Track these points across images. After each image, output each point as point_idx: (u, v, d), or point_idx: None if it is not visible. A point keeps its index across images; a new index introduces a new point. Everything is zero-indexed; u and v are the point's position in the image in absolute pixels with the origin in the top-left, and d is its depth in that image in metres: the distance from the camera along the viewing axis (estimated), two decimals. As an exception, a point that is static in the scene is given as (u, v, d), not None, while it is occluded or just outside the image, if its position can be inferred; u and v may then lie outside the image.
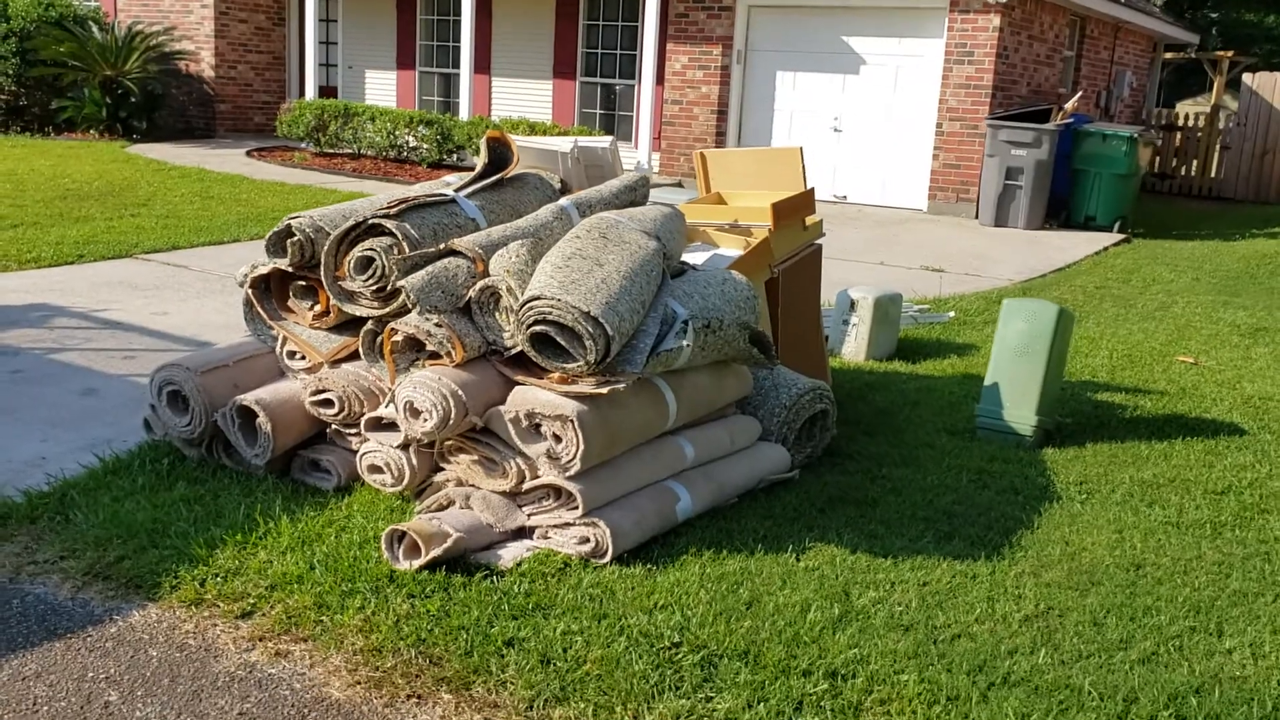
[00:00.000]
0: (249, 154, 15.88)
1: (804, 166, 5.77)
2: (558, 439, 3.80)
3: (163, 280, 8.01)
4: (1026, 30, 13.89)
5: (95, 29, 17.41)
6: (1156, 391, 6.30)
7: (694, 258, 5.03)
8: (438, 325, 3.95)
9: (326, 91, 17.73)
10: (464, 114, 15.69)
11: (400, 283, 3.94)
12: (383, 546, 3.73)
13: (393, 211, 4.14)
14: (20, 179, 12.16)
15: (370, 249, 4.13)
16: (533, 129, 14.40)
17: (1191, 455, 5.22)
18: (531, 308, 3.73)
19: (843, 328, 6.86)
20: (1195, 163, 19.37)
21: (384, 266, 4.12)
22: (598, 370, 3.75)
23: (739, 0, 14.48)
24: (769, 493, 4.48)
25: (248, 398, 4.29)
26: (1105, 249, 11.84)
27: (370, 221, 4.15)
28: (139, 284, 7.83)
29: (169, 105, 17.70)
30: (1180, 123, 19.53)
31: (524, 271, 4.02)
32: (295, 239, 4.26)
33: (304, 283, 4.45)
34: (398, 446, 4.09)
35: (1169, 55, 21.58)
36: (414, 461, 4.08)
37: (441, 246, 4.12)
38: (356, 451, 4.31)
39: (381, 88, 17.94)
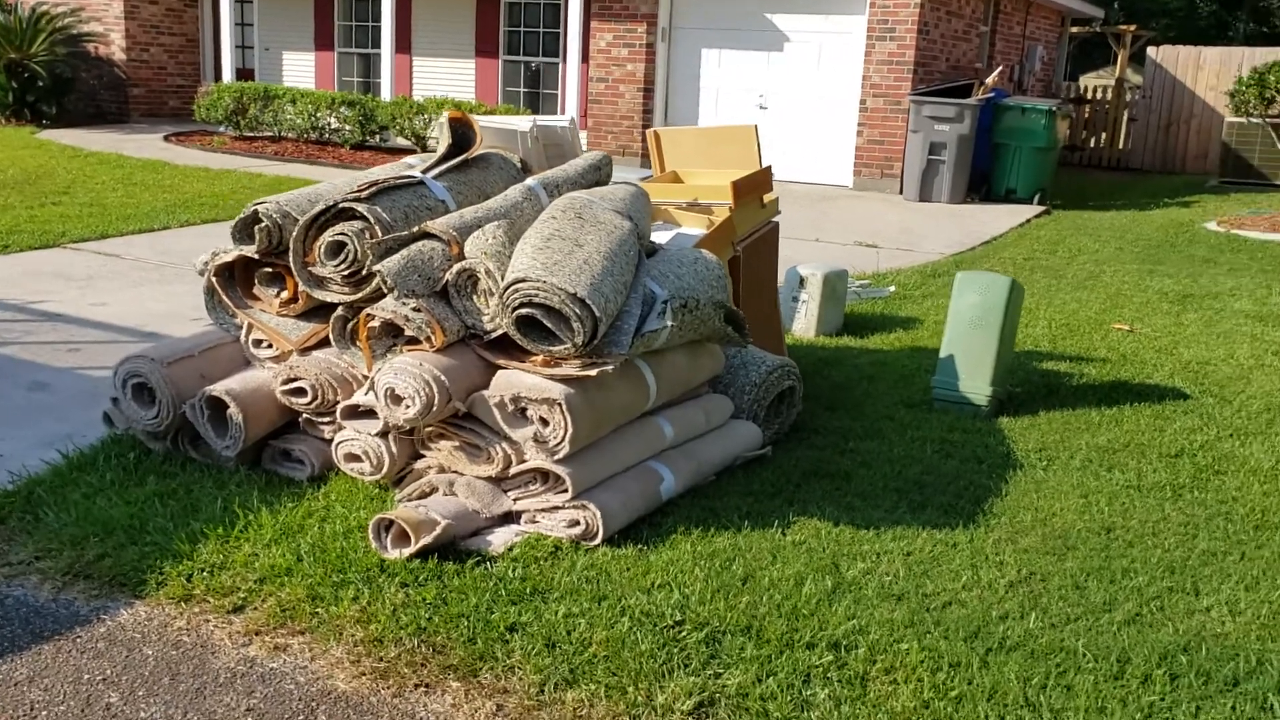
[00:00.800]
0: (166, 139, 15.49)
1: (759, 144, 5.80)
2: (544, 422, 3.79)
3: (96, 270, 7.79)
4: (945, 6, 14.09)
5: (-4, 10, 16.84)
6: (1099, 359, 6.48)
7: (658, 237, 5.04)
8: (415, 310, 3.92)
9: (243, 74, 17.36)
10: (386, 95, 15.48)
11: (376, 267, 3.89)
12: (370, 536, 3.69)
13: (363, 195, 4.09)
14: (-72, 167, 11.74)
15: (341, 233, 4.07)
16: (458, 108, 14.24)
17: (1141, 420, 5.38)
18: (516, 290, 3.71)
19: (792, 304, 6.92)
20: (1104, 135, 19.85)
21: (356, 251, 4.06)
22: (584, 352, 3.75)
23: (663, -23, 14.48)
24: (745, 469, 4.52)
25: (217, 388, 4.21)
26: (1028, 221, 12.10)
27: (340, 205, 4.09)
28: (72, 274, 7.61)
29: (79, 89, 17.19)
30: (1087, 96, 19.99)
31: (501, 253, 4.00)
32: (262, 225, 4.18)
33: (270, 270, 4.38)
34: (376, 434, 4.05)
35: (1074, 29, 22.05)
36: (393, 449, 4.04)
37: (415, 229, 4.08)
38: (331, 440, 4.26)
39: (300, 69, 17.60)
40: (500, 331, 3.93)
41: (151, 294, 7.20)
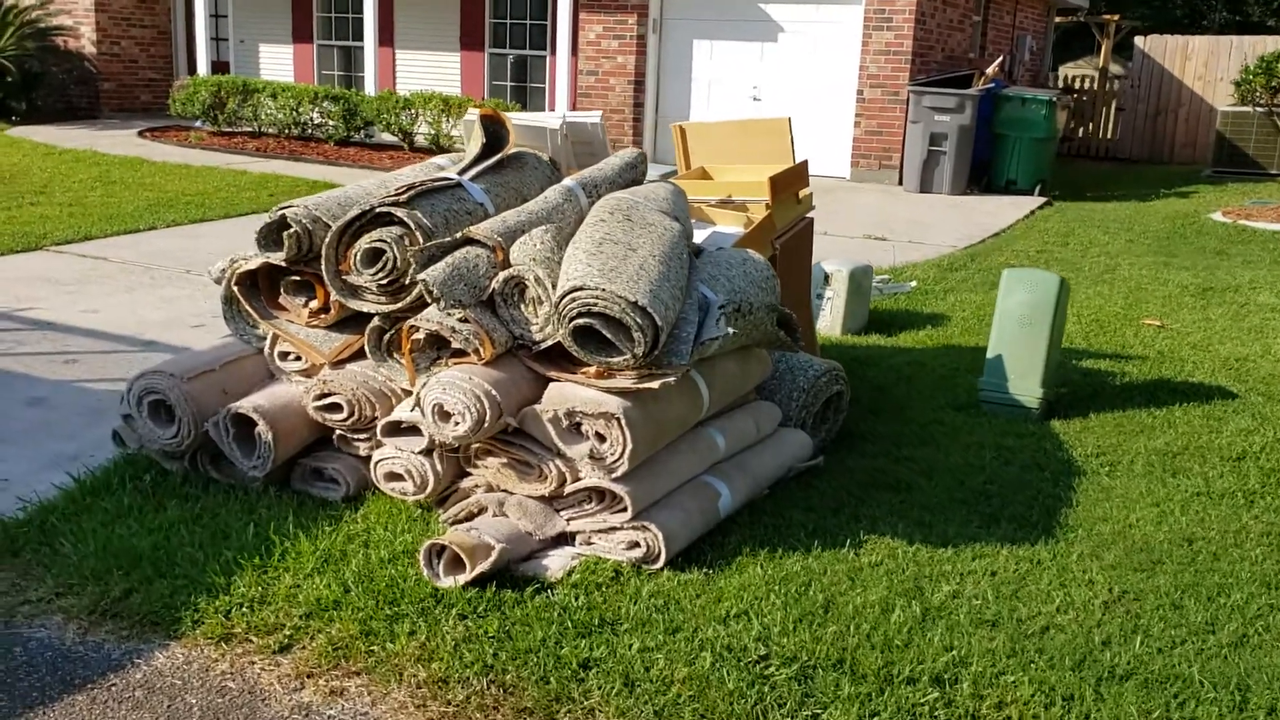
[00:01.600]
0: (141, 134, 15.08)
1: (792, 137, 5.56)
2: (601, 438, 3.54)
3: (83, 274, 7.47)
4: (941, -5, 13.90)
5: (-37, 5, 16.36)
6: (1136, 357, 6.28)
7: (694, 236, 4.80)
8: (462, 320, 3.65)
9: (218, 67, 16.95)
10: (369, 88, 15.14)
11: (420, 276, 3.62)
12: (421, 563, 3.43)
13: (402, 198, 3.82)
14: (-100, 167, 11.33)
15: (380, 240, 3.80)
16: (447, 103, 13.94)
17: (1194, 422, 5.18)
18: (574, 299, 3.46)
19: (817, 302, 6.69)
20: (1090, 124, 19.73)
21: (395, 259, 3.79)
22: (644, 363, 3.50)
23: (652, -33, 14.21)
24: (798, 480, 4.29)
25: (244, 405, 3.93)
26: (1032, 213, 11.93)
27: (378, 210, 3.81)
28: (59, 279, 7.28)
29: (48, 84, 16.72)
30: (1073, 86, 19.86)
31: (550, 260, 3.74)
32: (291, 231, 3.90)
33: (298, 278, 4.10)
34: (419, 452, 3.78)
35: (1058, 19, 21.93)
36: (438, 467, 3.78)
37: (458, 235, 3.81)
38: (367, 458, 4.00)
39: (277, 63, 17.21)
40: (551, 342, 3.67)
41: (145, 299, 6.89)
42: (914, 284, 7.95)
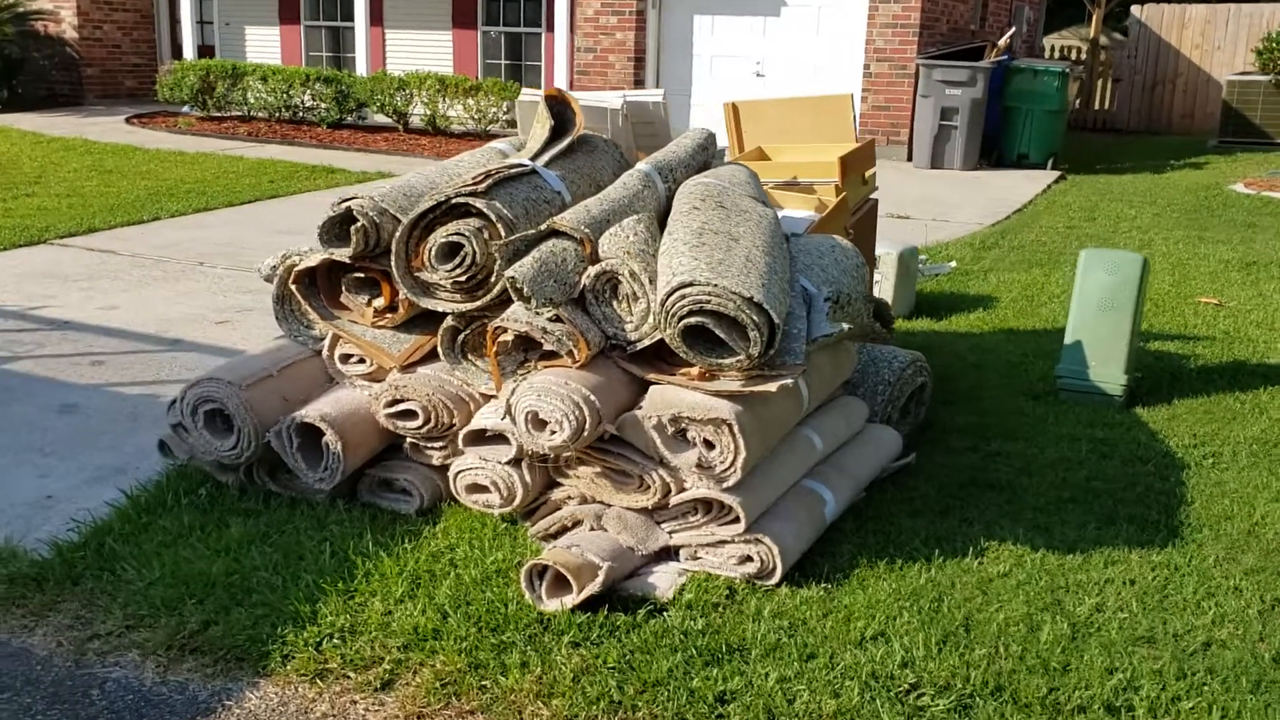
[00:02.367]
0: (129, 121, 14.66)
1: (855, 115, 5.29)
2: (709, 445, 3.28)
3: (93, 268, 7.13)
4: (947, -34, 13.63)
5: (-62, -11, 15.85)
6: (1203, 338, 6.06)
7: (770, 222, 4.52)
8: (553, 320, 3.38)
9: (203, 51, 16.49)
10: (361, 69, 14.76)
11: (508, 272, 3.34)
12: (522, 584, 3.17)
13: (480, 188, 3.53)
14: (-117, 158, 10.91)
15: (458, 233, 3.51)
16: (443, 83, 13.59)
17: (1283, 406, 4.97)
18: (683, 296, 3.18)
19: (866, 286, 6.43)
20: (1086, 96, 19.52)
21: (475, 253, 3.50)
22: (758, 364, 3.23)
23: (652, -59, 13.88)
24: (893, 481, 4.05)
25: (309, 413, 3.65)
26: (1048, 187, 11.70)
27: (454, 201, 3.52)
28: (69, 274, 6.94)
29: (29, 71, 16.24)
30: (1066, 57, 19.63)
31: (645, 252, 3.47)
32: (359, 225, 3.61)
33: (360, 275, 3.81)
34: (507, 462, 3.51)
35: (1052, -11, 21.69)
36: (527, 478, 3.51)
37: (542, 227, 3.53)
38: (441, 468, 3.72)
39: (264, 45, 16.77)
40: (649, 342, 3.40)
41: (161, 294, 6.56)
42: (954, 264, 7.71)
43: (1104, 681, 2.82)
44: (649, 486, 3.35)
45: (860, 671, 2.85)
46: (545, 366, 3.42)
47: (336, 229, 3.70)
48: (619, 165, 4.22)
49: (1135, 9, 19.13)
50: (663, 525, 3.41)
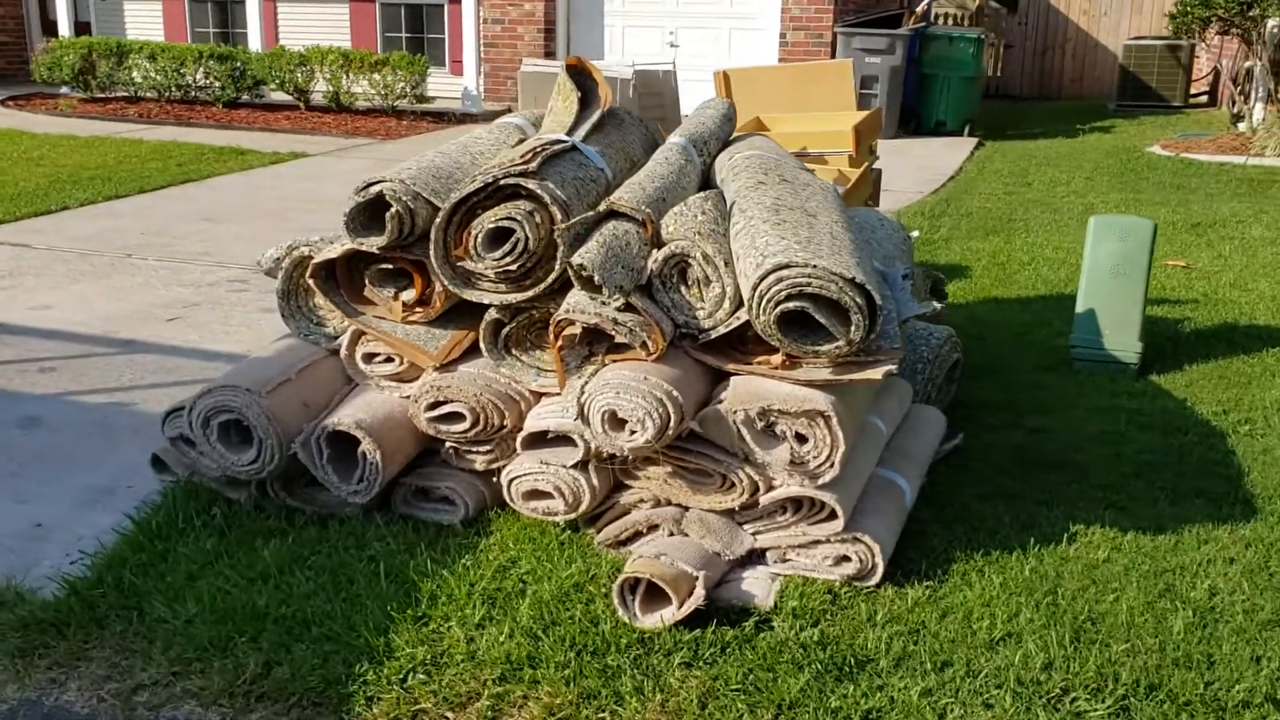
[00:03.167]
0: (4, 104, 13.72)
1: (855, 82, 5.09)
2: (801, 439, 3.04)
3: (10, 264, 6.55)
4: (857, -68, 13.55)
5: None
6: (1185, 301, 6.04)
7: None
8: (622, 309, 3.09)
9: (79, 29, 15.52)
10: (255, 44, 14.07)
11: (575, 259, 3.04)
12: (615, 601, 2.90)
13: (531, 167, 3.21)
14: None
15: (509, 218, 3.19)
16: (347, 58, 13.01)
17: (1291, 369, 4.95)
18: (780, 279, 2.92)
19: (845, 259, 6.26)
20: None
21: (528, 239, 3.20)
22: (858, 349, 3.01)
23: (558, -92, 13.48)
24: (947, 463, 3.88)
25: (343, 421, 3.31)
26: (971, 154, 11.72)
27: (502, 183, 3.20)
28: (-15, 271, 6.37)
29: (-115, 51, 15.09)
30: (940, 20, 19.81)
31: (715, 233, 3.21)
32: (393, 212, 3.26)
33: (387, 265, 3.47)
34: (572, 466, 3.22)
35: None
36: (594, 482, 3.23)
37: (601, 208, 3.24)
38: (487, 473, 3.42)
39: (145, 21, 15.86)
40: (724, 330, 3.14)
41: (95, 291, 6.05)
42: (917, 233, 7.59)
43: (1257, 673, 2.68)
44: (734, 486, 3.10)
45: (1005, 678, 2.66)
46: (614, 360, 3.14)
47: (366, 216, 3.35)
48: (647, 139, 3.94)
49: (1025, -26, 19.40)
50: (745, 527, 3.17)
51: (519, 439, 3.26)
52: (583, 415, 3.06)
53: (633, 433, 3.01)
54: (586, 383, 3.08)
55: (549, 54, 13.85)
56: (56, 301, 5.82)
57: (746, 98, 5.28)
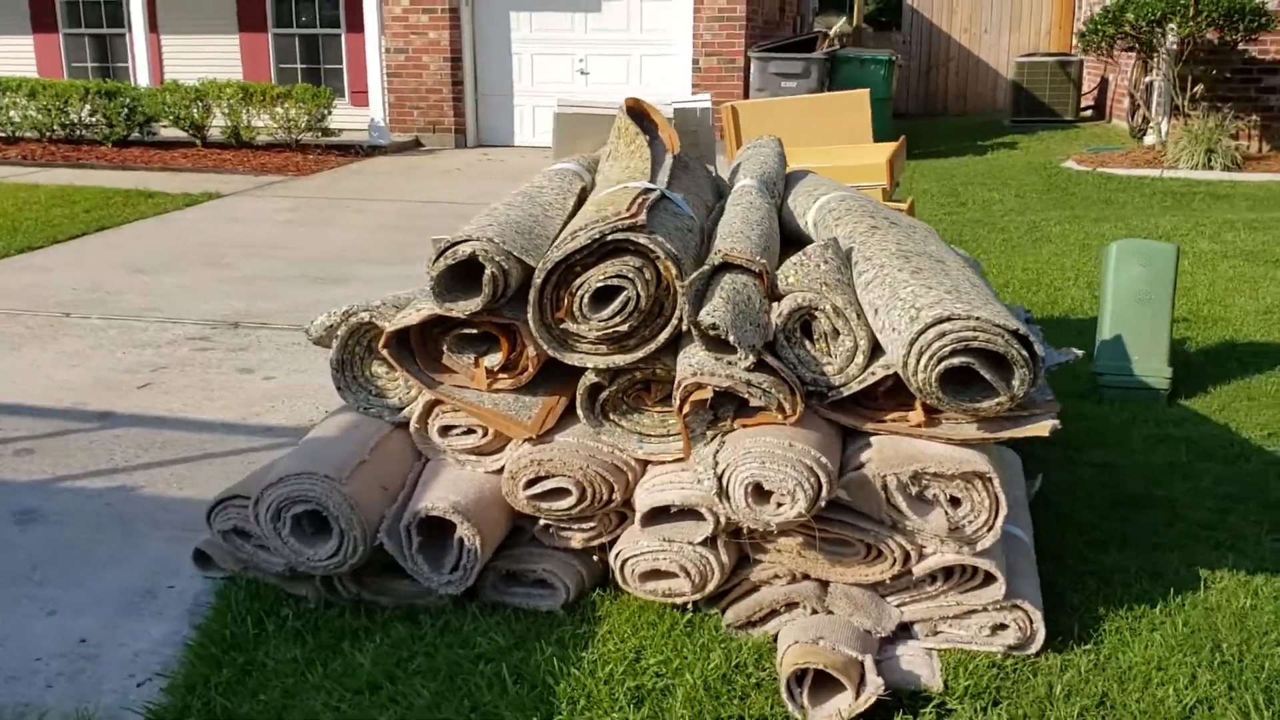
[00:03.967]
0: None
1: (871, 112, 4.96)
2: (955, 502, 2.85)
3: (-65, 329, 5.97)
4: (761, -44, 13.57)
5: None
6: (1175, 320, 6.06)
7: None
8: (750, 369, 2.86)
9: (-58, 65, 14.58)
10: (142, 80, 13.38)
11: (704, 318, 2.80)
12: (783, 695, 2.65)
13: (641, 219, 2.95)
14: None
15: (620, 274, 2.93)
16: (246, 92, 12.45)
17: (1310, 387, 4.98)
18: (943, 333, 2.72)
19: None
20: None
21: (640, 297, 2.94)
22: (1017, 404, 2.83)
23: (460, -65, 13.17)
24: (1033, 507, 3.73)
25: (436, 505, 2.99)
26: (892, 174, 11.78)
27: (610, 239, 2.94)
28: (-90, 339, 5.78)
29: None
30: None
31: (841, 283, 3.00)
32: (489, 273, 2.97)
33: (472, 331, 3.16)
34: (699, 543, 2.96)
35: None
36: (724, 558, 2.98)
37: (716, 261, 3.00)
38: (585, 551, 3.14)
39: (15, 56, 14.97)
40: (858, 387, 2.94)
41: (44, 357, 5.53)
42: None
43: None
44: (883, 556, 2.89)
45: (1221, 753, 2.50)
46: (743, 424, 2.90)
47: (451, 279, 3.04)
48: (709, 181, 3.72)
49: (907, -4, 19.79)
50: (889, 599, 2.96)
51: (638, 516, 2.99)
52: (721, 488, 2.81)
53: (779, 505, 2.77)
54: (719, 451, 2.84)
55: (457, 83, 13.52)
56: (3, 370, 5.30)
57: (758, 133, 5.09)
